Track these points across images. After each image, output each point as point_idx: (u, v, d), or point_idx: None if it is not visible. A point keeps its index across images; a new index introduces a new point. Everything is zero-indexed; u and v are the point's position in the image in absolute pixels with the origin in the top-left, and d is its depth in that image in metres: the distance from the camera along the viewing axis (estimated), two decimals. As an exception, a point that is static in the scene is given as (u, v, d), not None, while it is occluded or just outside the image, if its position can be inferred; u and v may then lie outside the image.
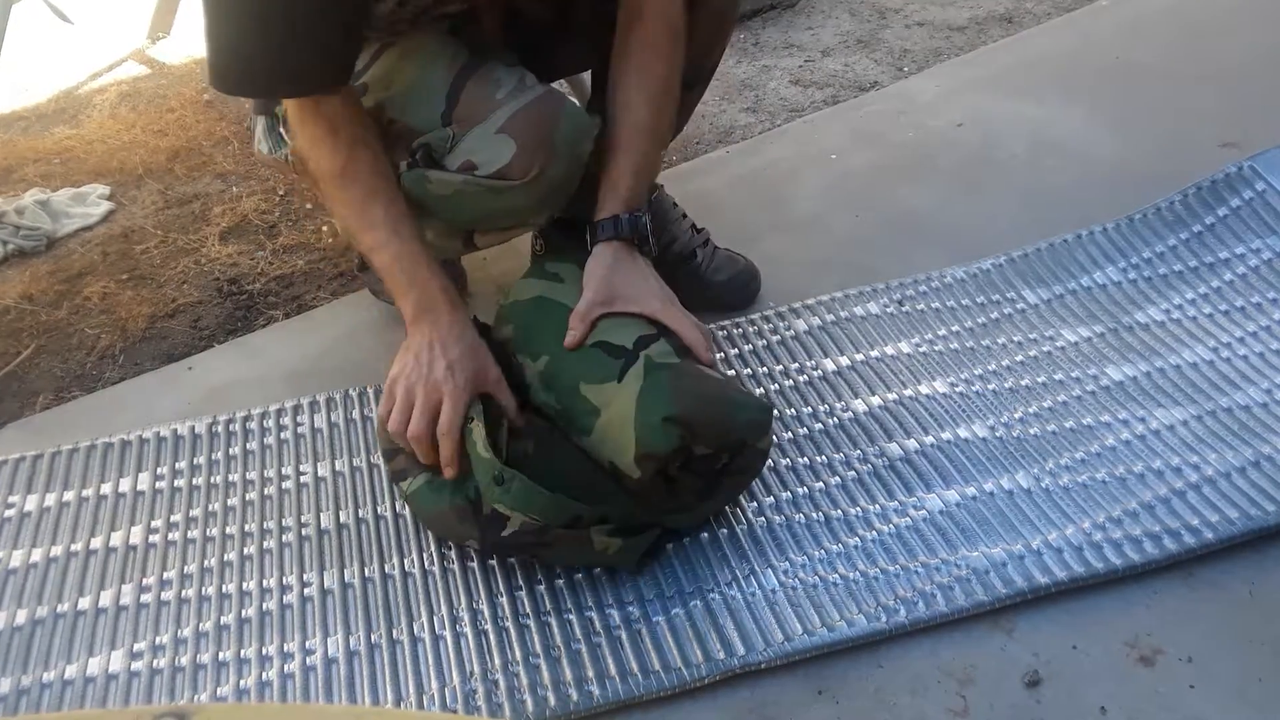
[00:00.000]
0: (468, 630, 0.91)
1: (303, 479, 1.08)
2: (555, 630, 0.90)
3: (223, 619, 0.94)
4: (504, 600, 0.93)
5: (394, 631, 0.91)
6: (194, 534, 1.03)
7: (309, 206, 1.61)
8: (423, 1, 1.03)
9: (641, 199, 1.05)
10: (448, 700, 0.85)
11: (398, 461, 0.99)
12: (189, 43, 2.21)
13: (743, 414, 0.94)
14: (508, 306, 1.07)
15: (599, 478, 0.95)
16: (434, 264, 1.00)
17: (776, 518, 1.00)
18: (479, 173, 1.02)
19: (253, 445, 1.13)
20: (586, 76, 1.43)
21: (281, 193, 1.64)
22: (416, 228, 1.00)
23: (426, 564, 0.98)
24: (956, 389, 1.14)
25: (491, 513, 0.91)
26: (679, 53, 1.06)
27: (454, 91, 1.03)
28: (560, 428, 0.98)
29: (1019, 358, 1.18)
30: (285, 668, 0.89)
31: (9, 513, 1.07)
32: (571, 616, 0.92)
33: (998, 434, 1.07)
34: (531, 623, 0.91)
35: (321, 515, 1.04)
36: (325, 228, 1.55)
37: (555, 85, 1.11)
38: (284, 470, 1.10)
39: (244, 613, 0.94)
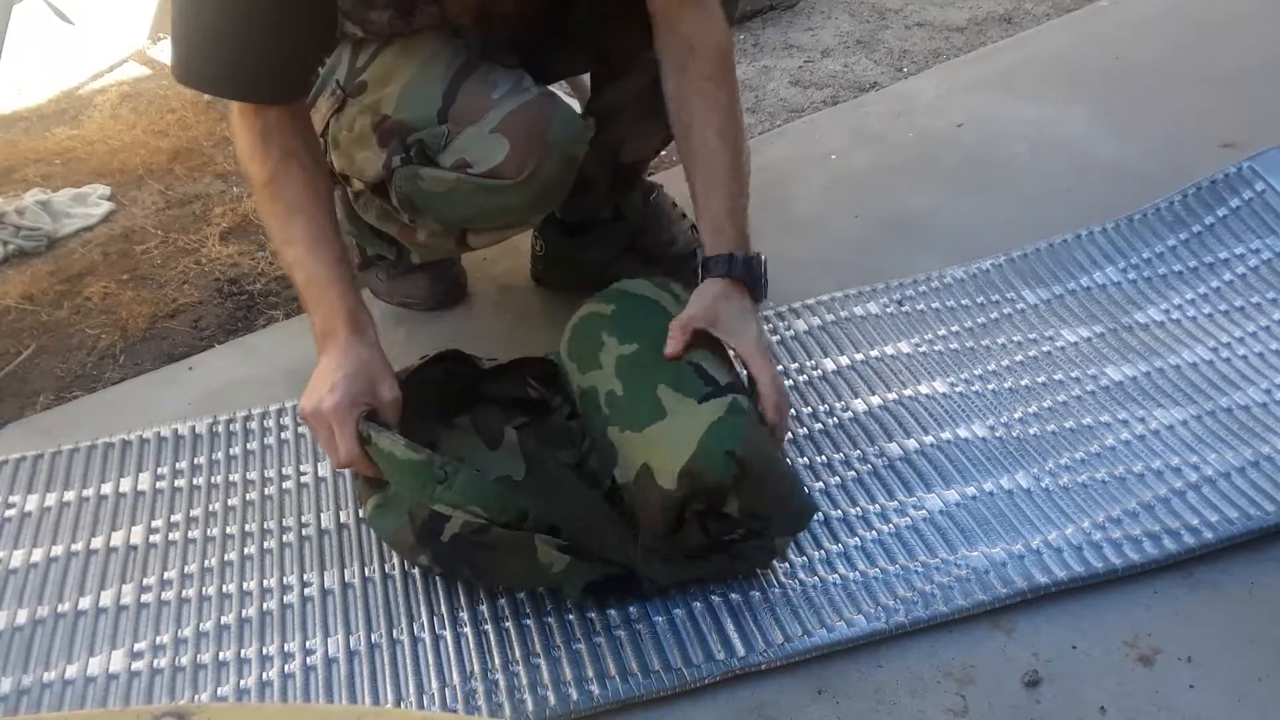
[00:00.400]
0: (468, 629, 0.91)
1: (303, 479, 1.09)
2: (555, 629, 0.90)
3: (223, 619, 0.94)
4: (504, 599, 0.93)
5: (394, 631, 0.92)
6: (194, 534, 1.03)
7: (309, 207, 1.61)
8: (429, 20, 1.04)
9: (747, 237, 1.03)
10: (448, 700, 0.86)
11: (358, 483, 0.98)
12: (189, 43, 2.20)
13: (795, 497, 0.92)
14: (613, 291, 1.06)
15: (591, 502, 0.94)
16: (344, 286, 0.97)
17: (776, 518, 1.00)
18: (472, 171, 1.01)
19: (253, 445, 1.13)
20: (584, 78, 1.43)
21: (282, 193, 1.64)
22: (337, 249, 0.99)
23: (427, 564, 0.98)
24: (956, 389, 1.14)
25: (430, 516, 0.88)
26: (734, 73, 1.06)
27: (451, 90, 1.03)
28: (572, 431, 0.99)
29: (1019, 358, 1.19)
30: (286, 667, 0.89)
31: (10, 513, 1.07)
32: (572, 616, 0.92)
33: (997, 434, 1.07)
34: (531, 622, 0.91)
35: (321, 515, 1.04)
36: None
37: (555, 87, 1.12)
38: (284, 470, 1.10)
39: (244, 612, 0.94)
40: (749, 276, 1.01)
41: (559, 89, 1.75)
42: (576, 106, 1.37)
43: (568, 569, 0.88)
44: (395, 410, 0.95)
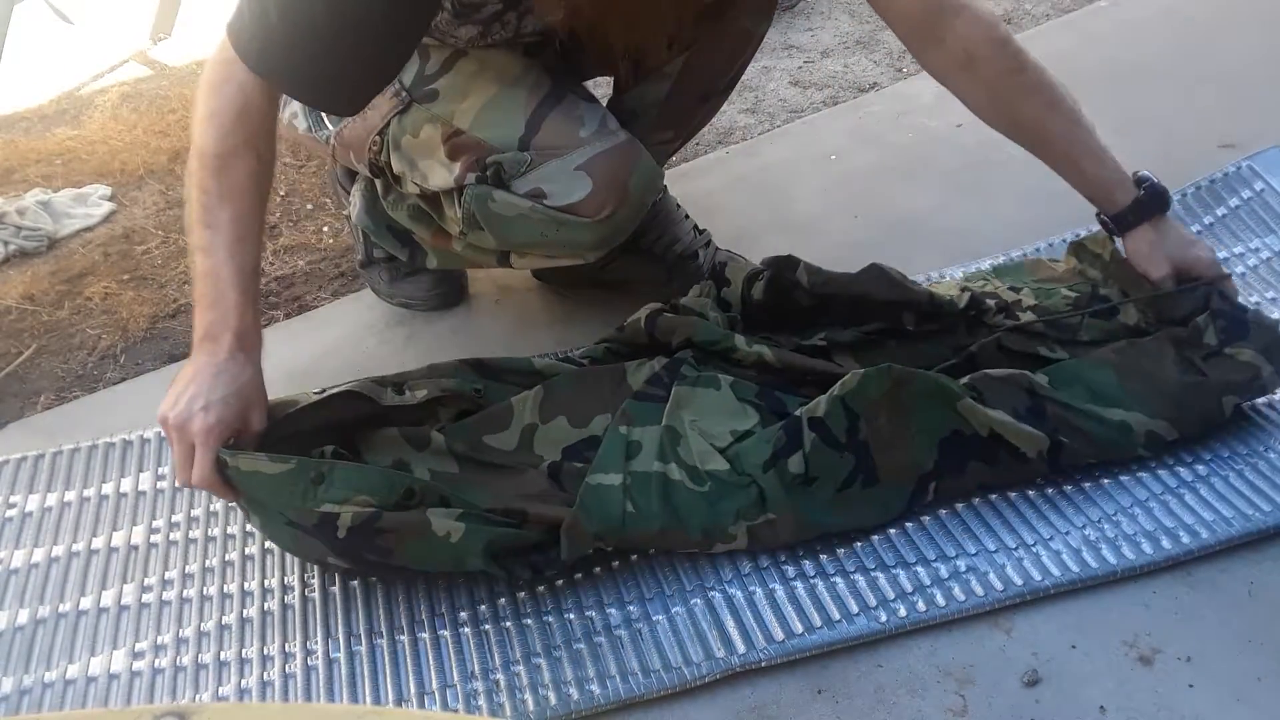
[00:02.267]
0: (468, 629, 0.91)
1: (304, 479, 1.08)
2: (556, 629, 0.91)
3: (224, 619, 0.94)
4: (504, 599, 0.93)
5: (395, 631, 0.92)
6: (195, 534, 1.03)
7: (309, 207, 1.62)
8: (506, 34, 1.04)
9: (1125, 174, 1.07)
10: (448, 699, 0.86)
11: (241, 505, 0.94)
12: (190, 43, 2.21)
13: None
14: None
15: (530, 479, 0.95)
16: (248, 297, 0.92)
17: (776, 517, 1.00)
18: (548, 203, 1.03)
19: (254, 445, 1.13)
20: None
21: (282, 193, 1.65)
22: (254, 255, 0.93)
23: (427, 564, 0.98)
24: (956, 389, 1.14)
25: (320, 519, 0.87)
26: (1017, 48, 1.03)
27: (535, 119, 1.04)
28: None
29: (1018, 358, 1.18)
30: (287, 667, 0.89)
31: (10, 513, 1.07)
32: (572, 615, 0.92)
33: (997, 434, 1.07)
34: (532, 621, 0.91)
35: (322, 515, 1.04)
36: (325, 228, 1.56)
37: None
38: (285, 470, 1.10)
39: (245, 612, 0.94)
40: (1160, 203, 1.05)
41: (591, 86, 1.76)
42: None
43: (465, 535, 0.87)
44: (255, 444, 0.91)
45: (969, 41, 1.00)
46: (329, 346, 1.31)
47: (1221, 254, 1.29)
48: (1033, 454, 0.97)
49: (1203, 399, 1.01)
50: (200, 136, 0.92)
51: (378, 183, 1.21)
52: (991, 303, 1.10)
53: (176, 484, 0.92)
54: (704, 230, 1.34)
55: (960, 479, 0.97)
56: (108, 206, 1.63)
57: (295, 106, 1.26)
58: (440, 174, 1.07)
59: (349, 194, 1.32)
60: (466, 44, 1.06)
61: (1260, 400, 1.09)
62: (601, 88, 1.22)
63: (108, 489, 1.09)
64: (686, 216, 1.35)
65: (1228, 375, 1.01)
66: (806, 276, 1.10)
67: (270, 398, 0.95)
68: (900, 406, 0.96)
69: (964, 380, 0.99)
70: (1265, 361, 1.02)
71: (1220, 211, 1.34)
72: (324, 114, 1.19)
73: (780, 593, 0.92)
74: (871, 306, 1.09)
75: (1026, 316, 1.09)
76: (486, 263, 1.18)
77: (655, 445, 0.96)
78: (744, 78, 1.91)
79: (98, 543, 1.03)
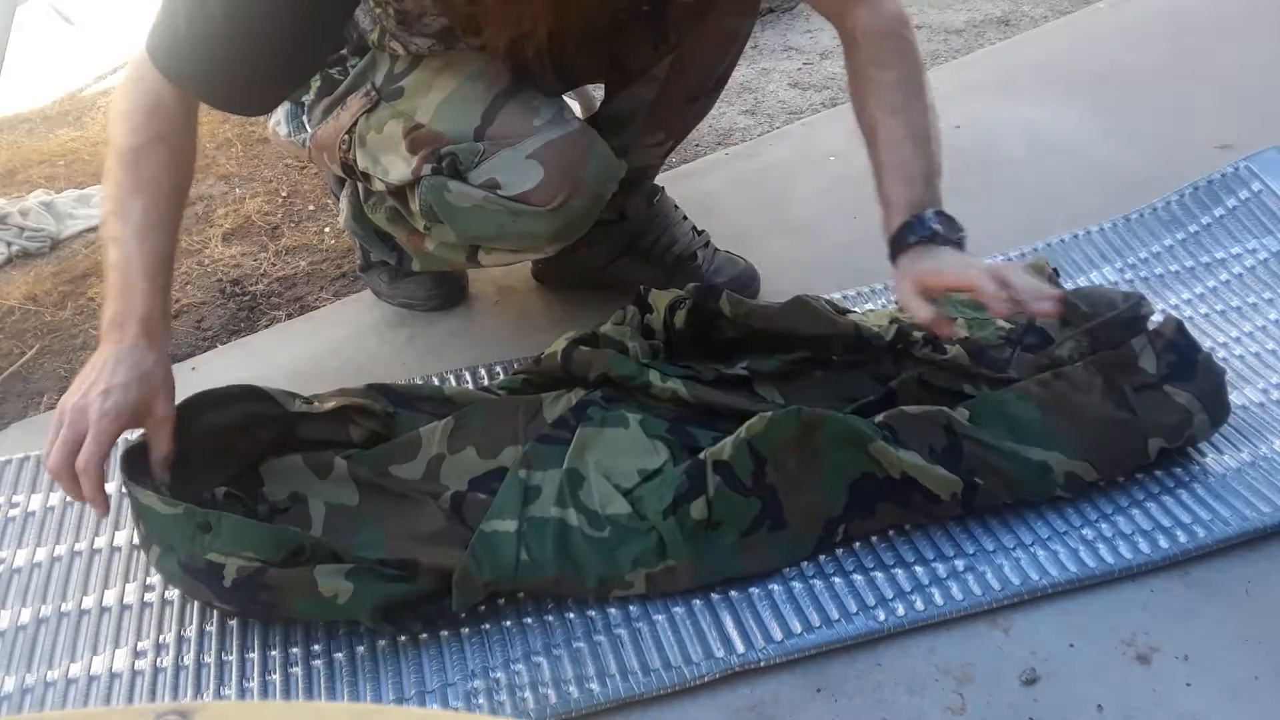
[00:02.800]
0: (468, 628, 0.91)
1: (305, 479, 1.09)
2: (556, 627, 0.91)
3: (227, 618, 0.94)
4: (504, 599, 0.94)
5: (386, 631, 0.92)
6: (197, 533, 1.03)
7: (311, 208, 1.62)
8: (468, 46, 1.05)
9: (923, 198, 0.96)
10: (449, 698, 0.86)
11: (139, 534, 0.93)
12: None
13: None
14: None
15: (429, 513, 0.94)
16: (155, 285, 0.92)
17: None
18: (501, 192, 1.03)
19: (255, 445, 1.13)
20: (589, 87, 1.44)
21: (284, 194, 1.65)
22: (165, 245, 0.93)
23: (428, 563, 0.98)
24: (955, 389, 1.14)
25: (206, 566, 0.87)
26: (906, 52, 1.02)
27: (491, 110, 1.04)
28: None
29: (1017, 358, 1.19)
30: (289, 666, 0.90)
31: (13, 512, 1.07)
32: (572, 613, 0.92)
33: (996, 434, 1.08)
34: (532, 620, 0.92)
35: (324, 515, 1.04)
36: (327, 229, 1.56)
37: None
38: (286, 470, 1.10)
39: (247, 611, 0.95)
40: (937, 229, 0.93)
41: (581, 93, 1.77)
42: (578, 111, 1.38)
43: (354, 596, 0.87)
44: (166, 428, 0.92)
45: (859, 27, 1.02)
46: (331, 347, 1.31)
47: (1219, 255, 1.30)
48: (946, 496, 0.94)
49: (1128, 439, 0.97)
50: (114, 132, 0.94)
51: (359, 187, 1.21)
52: (919, 334, 1.07)
53: (45, 467, 0.89)
54: (703, 231, 1.35)
55: (870, 521, 0.95)
56: (109, 208, 1.64)
57: (278, 114, 1.27)
58: (400, 168, 1.07)
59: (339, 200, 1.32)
60: (429, 52, 1.06)
61: (1257, 400, 1.09)
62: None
63: (110, 488, 1.09)
64: (685, 218, 1.35)
65: (1158, 416, 0.97)
66: (729, 307, 1.08)
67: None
68: (810, 449, 0.93)
69: (879, 418, 0.96)
70: (1200, 409, 0.98)
71: (1218, 212, 1.34)
72: (303, 119, 1.20)
73: (779, 592, 0.92)
74: (796, 339, 1.08)
75: (954, 350, 1.05)
76: (458, 261, 1.18)
77: (555, 489, 0.94)
78: (743, 79, 1.92)
79: (100, 542, 1.03)
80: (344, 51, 1.12)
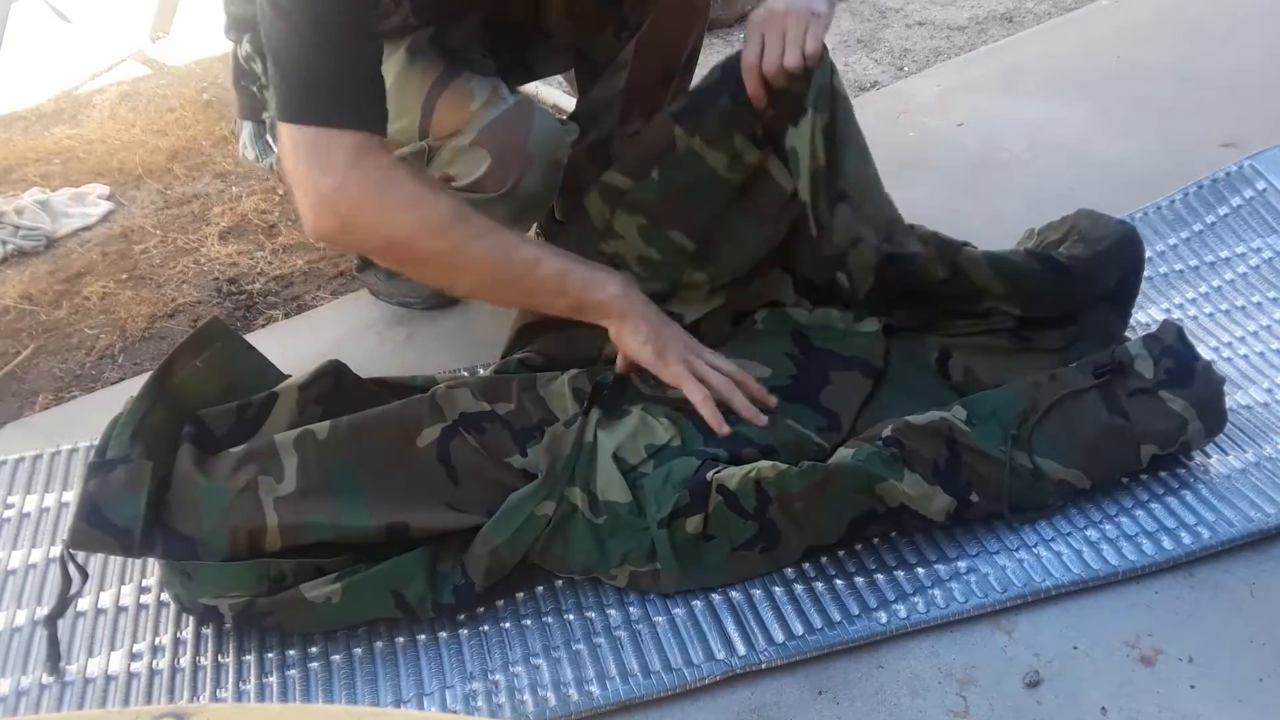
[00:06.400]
0: (467, 630, 0.91)
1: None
2: (555, 629, 0.90)
3: (223, 620, 0.93)
4: (503, 600, 0.93)
5: (394, 632, 0.91)
6: (194, 534, 1.02)
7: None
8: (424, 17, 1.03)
9: None
10: (448, 700, 0.85)
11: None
12: (189, 43, 2.21)
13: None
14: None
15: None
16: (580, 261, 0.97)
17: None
18: (456, 185, 1.01)
19: (252, 445, 1.13)
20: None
21: (281, 192, 1.64)
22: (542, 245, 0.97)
23: (426, 564, 0.97)
24: (957, 389, 1.13)
25: (204, 607, 0.90)
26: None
27: (429, 103, 1.02)
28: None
29: (1019, 358, 1.18)
30: (286, 669, 0.89)
31: (8, 513, 1.07)
32: (571, 616, 0.91)
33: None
34: (531, 622, 0.91)
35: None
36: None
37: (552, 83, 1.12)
38: (284, 470, 1.09)
39: (244, 613, 0.94)
40: None
41: (557, 86, 1.76)
42: (571, 102, 1.37)
43: (345, 594, 0.88)
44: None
45: None
46: (329, 346, 1.30)
47: (1223, 254, 1.29)
48: (940, 518, 0.94)
49: (1121, 446, 0.97)
50: (420, 218, 0.89)
51: None
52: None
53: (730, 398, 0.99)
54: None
55: (859, 542, 0.96)
56: (106, 206, 1.63)
57: (244, 137, 1.25)
58: None
59: None
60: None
61: (1261, 400, 1.08)
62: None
63: (68, 496, 1.08)
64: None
65: (1152, 423, 0.97)
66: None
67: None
68: (823, 496, 0.92)
69: (888, 431, 0.94)
70: (1195, 416, 0.97)
71: (1222, 211, 1.33)
72: (267, 138, 1.19)
73: (781, 594, 0.91)
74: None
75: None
76: None
77: (573, 458, 0.94)
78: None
79: (96, 543, 1.02)
80: None
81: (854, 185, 1.02)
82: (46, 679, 0.89)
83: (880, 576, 0.92)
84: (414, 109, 1.02)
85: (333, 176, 0.85)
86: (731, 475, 0.91)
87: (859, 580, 0.92)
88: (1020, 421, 0.96)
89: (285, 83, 0.87)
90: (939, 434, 0.95)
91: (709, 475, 0.91)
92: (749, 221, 1.06)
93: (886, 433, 0.94)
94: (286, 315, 1.37)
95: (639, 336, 0.96)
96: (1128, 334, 1.14)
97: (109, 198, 1.66)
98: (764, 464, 0.92)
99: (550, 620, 0.91)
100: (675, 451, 0.95)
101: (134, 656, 0.91)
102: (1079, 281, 1.07)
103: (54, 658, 0.88)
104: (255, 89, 1.19)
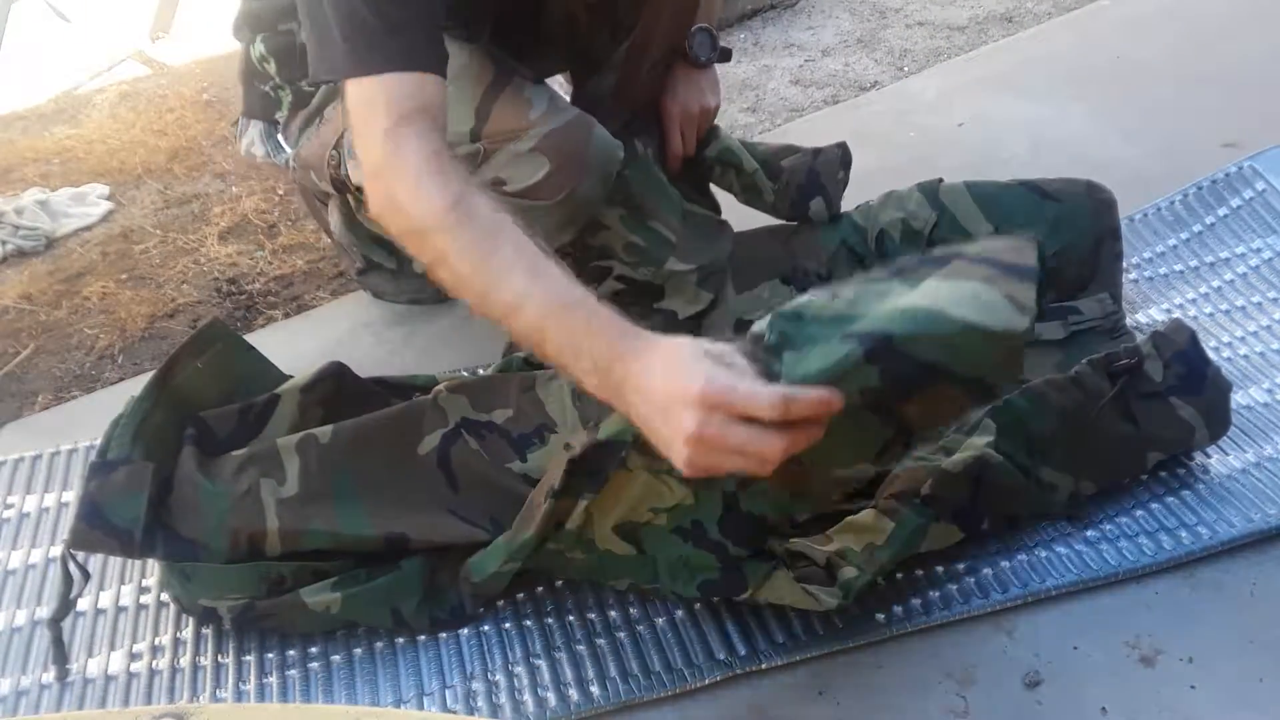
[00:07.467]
0: (467, 630, 0.91)
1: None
2: (556, 630, 0.90)
3: (223, 620, 0.93)
4: (503, 600, 0.93)
5: (395, 632, 0.91)
6: (194, 534, 1.02)
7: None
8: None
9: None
10: (448, 700, 0.85)
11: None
12: (189, 42, 2.21)
13: None
14: None
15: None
16: (594, 299, 0.75)
17: (777, 518, 0.99)
18: (508, 189, 1.02)
19: (252, 445, 1.13)
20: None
21: (281, 192, 1.64)
22: (560, 262, 0.77)
23: (426, 564, 0.97)
24: (957, 389, 1.13)
25: (202, 609, 0.90)
26: None
27: (484, 107, 1.03)
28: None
29: (1019, 358, 1.18)
30: (286, 669, 0.89)
31: (8, 513, 1.07)
32: (572, 616, 0.91)
33: (998, 434, 1.07)
34: (532, 622, 0.91)
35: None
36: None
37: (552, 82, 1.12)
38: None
39: (244, 613, 0.94)
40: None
41: (554, 84, 1.76)
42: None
43: (344, 604, 0.88)
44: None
45: None
46: (328, 346, 1.30)
47: (1223, 254, 1.29)
48: (944, 547, 0.92)
49: (1128, 454, 0.97)
50: (421, 206, 0.78)
51: (350, 197, 1.20)
52: None
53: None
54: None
55: None
56: (106, 206, 1.63)
57: (251, 134, 1.25)
58: None
59: (326, 210, 1.31)
60: None
61: (1262, 400, 1.08)
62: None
63: (67, 497, 1.08)
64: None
65: (1160, 430, 0.97)
66: None
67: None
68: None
69: (927, 489, 0.89)
70: (1203, 424, 0.97)
71: (1222, 211, 1.33)
72: (278, 138, 1.19)
73: (781, 594, 0.91)
74: None
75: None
76: None
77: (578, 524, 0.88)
78: (745, 76, 1.91)
79: (96, 543, 1.02)
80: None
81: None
82: (53, 681, 0.89)
83: (880, 577, 0.92)
84: (466, 112, 1.02)
85: (388, 161, 0.80)
86: (773, 581, 0.87)
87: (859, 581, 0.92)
88: (1046, 440, 0.94)
89: (330, 39, 0.81)
90: (969, 476, 0.92)
91: (738, 598, 0.88)
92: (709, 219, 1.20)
93: (926, 490, 0.90)
94: (286, 315, 1.37)
95: (636, 419, 0.74)
96: (1131, 331, 1.14)
97: (109, 198, 1.66)
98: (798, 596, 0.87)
99: (551, 620, 0.91)
100: (686, 513, 0.88)
101: (134, 657, 0.91)
102: (1061, 207, 1.14)
103: (60, 660, 0.88)
104: (268, 89, 1.19)
